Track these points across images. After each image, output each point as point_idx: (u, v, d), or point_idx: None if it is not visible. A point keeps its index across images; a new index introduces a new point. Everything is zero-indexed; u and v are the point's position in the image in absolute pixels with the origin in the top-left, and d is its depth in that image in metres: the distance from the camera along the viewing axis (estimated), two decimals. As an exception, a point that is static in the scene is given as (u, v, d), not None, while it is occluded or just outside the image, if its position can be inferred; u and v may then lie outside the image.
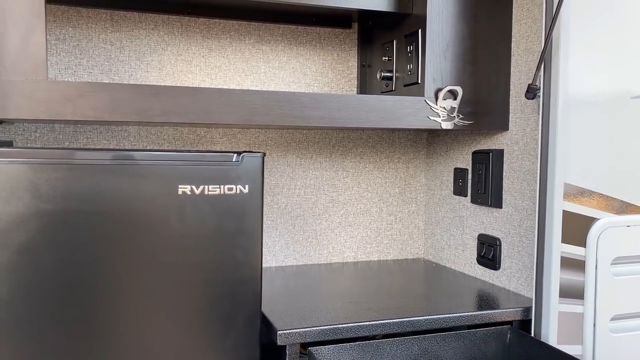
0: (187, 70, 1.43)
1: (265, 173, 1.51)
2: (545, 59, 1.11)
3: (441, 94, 1.24)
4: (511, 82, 1.30)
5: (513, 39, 1.29)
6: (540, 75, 1.12)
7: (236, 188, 0.99)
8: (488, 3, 1.28)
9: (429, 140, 1.65)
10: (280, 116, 1.13)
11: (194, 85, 1.44)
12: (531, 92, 1.14)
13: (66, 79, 1.33)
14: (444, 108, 1.25)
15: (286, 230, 1.54)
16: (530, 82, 1.14)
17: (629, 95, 1.17)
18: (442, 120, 1.25)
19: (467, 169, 1.47)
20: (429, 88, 1.25)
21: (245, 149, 1.50)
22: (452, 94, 1.25)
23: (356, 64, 1.59)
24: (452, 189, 1.53)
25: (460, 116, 1.26)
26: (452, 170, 1.53)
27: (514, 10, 1.29)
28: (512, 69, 1.30)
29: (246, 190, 0.99)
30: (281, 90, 1.27)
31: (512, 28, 1.29)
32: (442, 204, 1.58)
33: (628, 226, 1.18)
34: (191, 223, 0.97)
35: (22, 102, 0.95)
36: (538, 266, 1.15)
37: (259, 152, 1.00)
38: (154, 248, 0.96)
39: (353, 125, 1.18)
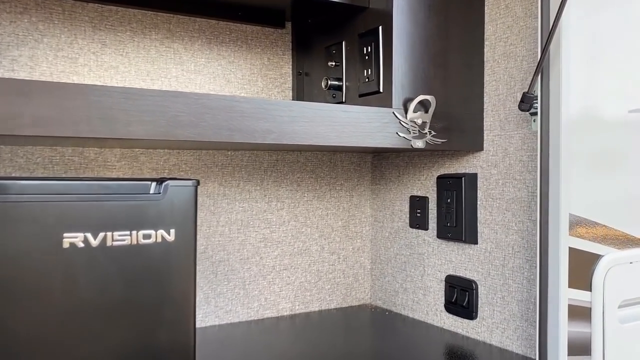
0: (71, 71, 1.06)
1: (179, 207, 1.16)
2: (546, 61, 0.90)
3: (412, 105, 0.99)
4: (485, 93, 1.09)
5: (487, 42, 1.09)
6: (538, 82, 0.92)
7: (156, 235, 0.65)
8: (460, -3, 1.07)
9: (375, 163, 1.40)
10: (213, 129, 0.81)
11: (81, 91, 1.07)
12: (527, 102, 0.93)
13: None
14: (415, 122, 1.00)
15: (206, 281, 1.20)
16: (526, 90, 0.93)
17: (627, 109, 1.00)
18: (412, 137, 1.00)
19: (426, 197, 1.23)
20: (397, 98, 1.00)
21: (162, 176, 1.14)
22: (423, 106, 1.01)
23: (291, 72, 1.30)
24: (408, 221, 1.29)
25: (433, 133, 1.02)
26: (408, 199, 1.29)
27: (486, 9, 1.09)
28: (487, 78, 1.09)
29: (171, 238, 0.66)
30: (215, 93, 0.95)
31: (485, 29, 1.09)
32: (395, 238, 1.33)
33: (631, 263, 1.00)
34: (85, 292, 0.62)
35: None
36: (542, 318, 0.93)
37: (189, 179, 0.68)
38: (26, 330, 0.59)
39: (309, 143, 0.89)
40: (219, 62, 1.21)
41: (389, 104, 1.00)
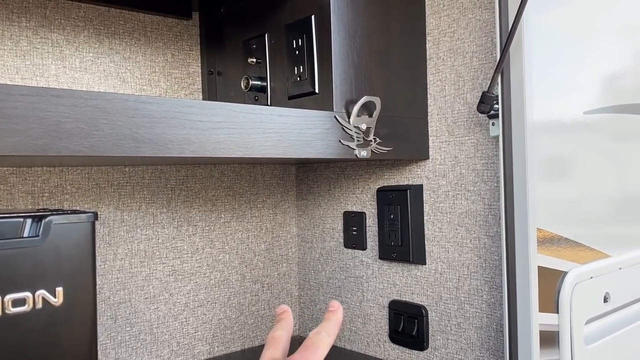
0: None
1: (64, 239, 0.91)
2: (508, 58, 0.79)
3: (356, 108, 0.84)
4: (429, 95, 0.97)
5: (429, 37, 0.97)
6: (499, 82, 0.81)
7: (34, 298, 0.44)
8: (401, -15, 0.94)
9: (300, 175, 1.24)
10: (111, 139, 0.60)
11: None
12: (487, 103, 0.81)
13: None
14: (359, 129, 0.85)
15: (103, 329, 0.96)
16: (485, 89, 0.82)
17: (582, 110, 0.93)
18: (357, 145, 0.85)
19: (363, 213, 1.09)
20: (338, 100, 0.84)
21: (40, 204, 0.89)
22: (367, 109, 0.87)
23: (199, 70, 1.10)
24: (342, 240, 1.14)
25: (378, 140, 0.88)
26: (341, 215, 1.14)
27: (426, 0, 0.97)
28: (430, 77, 0.97)
29: (58, 300, 0.45)
30: (114, 92, 0.72)
31: (427, 23, 0.97)
32: (327, 260, 1.17)
33: (591, 277, 0.92)
34: None
35: None
36: (512, 347, 0.81)
37: (82, 212, 0.47)
38: None
39: (239, 155, 0.71)
40: (112, 58, 0.98)
41: (328, 108, 0.84)
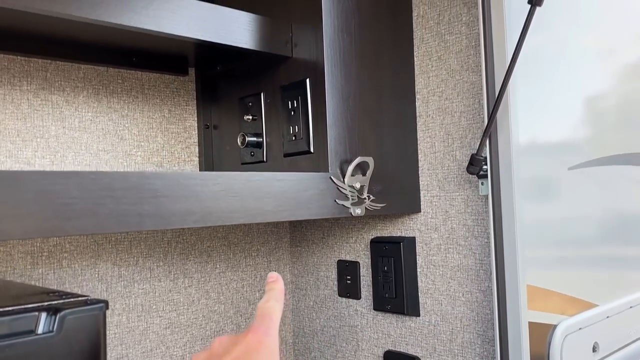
0: None
1: (62, 298, 0.92)
2: (495, 122, 0.83)
3: (350, 168, 0.87)
4: (420, 150, 1.00)
5: (418, 95, 1.00)
6: (486, 144, 0.84)
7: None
8: (388, 47, 0.98)
9: (294, 223, 1.26)
10: (117, 216, 0.62)
11: None
12: (476, 165, 0.85)
13: None
14: (353, 187, 0.88)
15: (101, 385, 0.96)
16: (475, 152, 0.85)
17: (566, 166, 0.96)
18: (351, 204, 0.88)
19: (357, 262, 1.11)
20: (333, 160, 0.87)
21: (49, 291, 0.90)
22: (361, 168, 0.90)
23: (196, 124, 1.13)
24: (337, 289, 1.15)
25: (371, 197, 0.91)
26: (335, 264, 1.16)
27: (415, 59, 1.01)
28: (420, 134, 1.00)
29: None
30: (119, 171, 0.74)
31: (416, 82, 1.01)
32: (321, 308, 1.19)
33: (580, 329, 0.94)
34: None
35: None
36: (505, 404, 0.83)
37: (93, 303, 0.49)
38: None
39: (240, 222, 0.73)
40: (110, 117, 1.01)
41: (323, 167, 0.86)
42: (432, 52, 0.98)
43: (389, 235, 1.05)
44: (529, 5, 0.76)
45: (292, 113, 0.92)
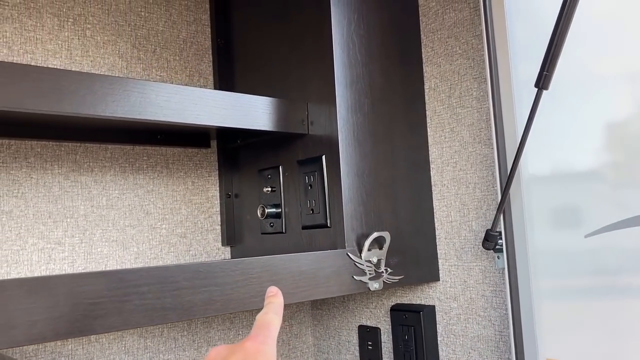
0: (-51, 222, 0.86)
1: (90, 373, 0.95)
2: (508, 198, 0.84)
3: (366, 244, 0.89)
4: (436, 219, 1.02)
5: (433, 165, 1.03)
6: (501, 220, 0.85)
7: None
8: (402, 124, 1.00)
9: (315, 286, 1.27)
10: (141, 312, 0.65)
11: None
12: (491, 241, 0.86)
13: None
14: (370, 262, 0.90)
15: None
16: (490, 227, 0.86)
17: (583, 233, 0.97)
18: (369, 279, 0.89)
19: (378, 329, 1.12)
20: (350, 237, 0.89)
21: None
22: (377, 242, 0.91)
23: (218, 194, 1.17)
24: (358, 354, 1.16)
25: (389, 270, 0.92)
26: (356, 329, 1.17)
27: (429, 130, 1.03)
28: (436, 203, 1.02)
29: None
30: (144, 267, 0.78)
31: (430, 152, 1.03)
32: (344, 373, 1.19)
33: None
34: None
35: None
36: None
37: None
38: None
39: (258, 307, 0.75)
40: (136, 193, 1.05)
41: (340, 242, 0.89)
42: (445, 123, 1.00)
43: (408, 302, 1.06)
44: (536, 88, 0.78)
45: (310, 187, 0.95)
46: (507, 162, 0.86)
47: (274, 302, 0.59)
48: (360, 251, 0.89)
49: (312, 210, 0.95)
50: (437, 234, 1.01)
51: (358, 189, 0.91)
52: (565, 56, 0.76)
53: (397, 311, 1.06)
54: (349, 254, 0.87)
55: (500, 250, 0.87)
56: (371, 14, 0.97)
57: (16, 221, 0.91)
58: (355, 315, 1.17)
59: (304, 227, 0.97)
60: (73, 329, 0.60)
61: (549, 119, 0.87)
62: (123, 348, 1.00)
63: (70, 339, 0.95)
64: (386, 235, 0.91)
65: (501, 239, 0.86)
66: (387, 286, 0.91)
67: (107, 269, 0.99)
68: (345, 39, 0.93)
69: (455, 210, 0.99)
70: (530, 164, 0.86)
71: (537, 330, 0.83)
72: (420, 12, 1.05)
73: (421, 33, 1.05)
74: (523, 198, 0.84)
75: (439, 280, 1.01)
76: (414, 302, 1.05)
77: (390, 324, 1.08)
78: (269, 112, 0.91)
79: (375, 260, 0.91)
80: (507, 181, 0.82)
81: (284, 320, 1.20)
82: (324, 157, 0.93)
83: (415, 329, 1.02)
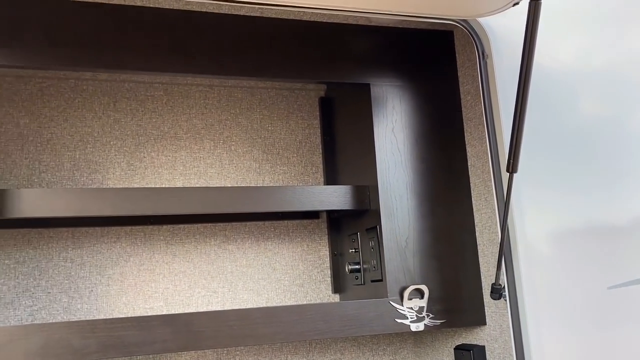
0: (150, 280, 1.39)
1: (236, 381, 1.39)
2: (505, 254, 1.05)
3: (406, 294, 1.17)
4: (481, 274, 1.23)
5: (477, 229, 1.25)
6: (503, 273, 1.06)
7: None
8: (445, 196, 1.26)
9: (414, 327, 1.54)
10: (230, 338, 1.05)
11: (156, 295, 1.38)
12: (496, 292, 1.07)
13: (22, 303, 1.29)
14: (411, 308, 1.17)
15: None
16: (494, 281, 1.07)
17: (606, 286, 1.08)
18: (410, 322, 1.16)
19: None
20: (392, 287, 1.18)
21: None
22: (419, 293, 1.18)
23: (328, 253, 1.54)
24: (441, 385, 1.39)
25: (431, 315, 1.18)
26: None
27: (473, 199, 1.26)
28: (481, 260, 1.23)
29: None
30: (232, 309, 1.22)
31: (475, 218, 1.26)
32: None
33: None
34: None
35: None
36: None
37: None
38: None
39: (311, 339, 1.10)
40: (266, 254, 1.49)
41: (384, 293, 1.18)
42: (482, 194, 1.22)
43: (468, 343, 1.27)
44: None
45: (372, 250, 1.27)
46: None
47: None
48: (402, 299, 1.17)
49: (375, 267, 1.26)
50: (483, 286, 1.22)
51: (401, 251, 1.20)
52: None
53: (458, 350, 1.28)
54: (390, 301, 1.16)
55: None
56: (412, 115, 1.27)
57: (188, 278, 1.42)
58: (439, 353, 1.40)
59: (372, 281, 1.28)
60: (188, 345, 1.03)
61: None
62: (258, 366, 1.42)
63: (212, 358, 1.41)
64: (424, 288, 1.18)
65: (504, 290, 1.05)
66: (427, 329, 1.17)
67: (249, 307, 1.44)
68: (386, 138, 1.24)
69: (492, 266, 1.19)
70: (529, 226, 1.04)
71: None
72: (462, 105, 1.30)
73: (463, 122, 1.29)
74: (519, 249, 1.03)
75: (485, 324, 1.21)
76: (471, 343, 1.26)
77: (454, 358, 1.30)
78: (349, 195, 1.27)
79: (416, 307, 1.17)
80: (502, 231, 1.02)
81: (389, 356, 1.49)
82: (377, 226, 1.24)
83: (470, 364, 1.23)
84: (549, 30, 1.16)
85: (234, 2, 0.96)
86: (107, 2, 1.14)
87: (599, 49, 1.23)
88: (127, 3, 1.17)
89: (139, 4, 1.15)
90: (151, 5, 1.18)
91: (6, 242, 1.30)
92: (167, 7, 1.19)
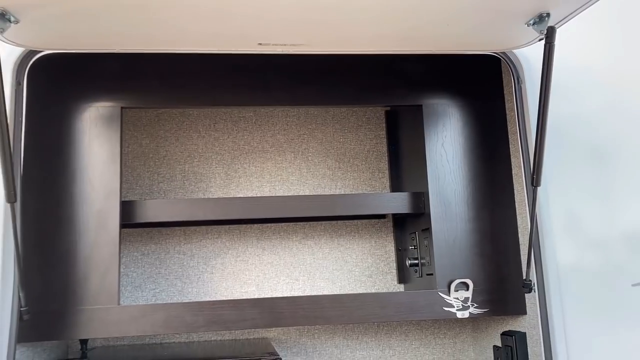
0: (245, 269, 1.70)
1: (313, 354, 1.66)
2: (534, 251, 1.22)
3: (453, 286, 1.37)
4: (523, 270, 1.40)
5: (519, 231, 1.41)
6: (533, 269, 1.23)
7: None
8: (489, 201, 1.44)
9: (471, 314, 1.73)
10: (303, 318, 1.32)
11: (249, 281, 1.69)
12: (527, 287, 1.24)
13: (147, 287, 1.65)
14: (457, 299, 1.37)
15: (337, 409, 1.65)
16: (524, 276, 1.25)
17: (630, 282, 1.22)
18: (456, 310, 1.36)
19: (501, 348, 1.52)
20: (441, 281, 1.39)
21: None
22: (465, 285, 1.38)
23: (393, 248, 1.77)
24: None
25: (475, 305, 1.37)
26: (492, 348, 1.59)
27: (516, 205, 1.43)
28: (523, 258, 1.40)
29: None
30: (304, 295, 1.48)
31: (517, 221, 1.42)
32: (488, 380, 1.61)
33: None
34: None
35: (97, 325, 1.25)
36: None
37: None
38: None
39: (370, 322, 1.34)
40: (339, 249, 1.74)
41: (434, 284, 1.39)
42: (523, 200, 1.39)
43: (512, 329, 1.45)
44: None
45: (426, 247, 1.48)
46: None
47: None
48: (449, 291, 1.38)
49: (429, 262, 1.47)
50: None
51: (449, 249, 1.40)
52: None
53: (503, 335, 1.46)
54: (439, 292, 1.37)
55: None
56: (460, 131, 1.46)
57: (274, 267, 1.71)
58: (491, 337, 1.59)
59: (427, 274, 1.49)
60: (272, 323, 1.31)
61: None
62: (333, 343, 1.69)
63: (296, 335, 1.68)
64: (469, 281, 1.37)
65: (534, 285, 1.22)
66: (472, 317, 1.36)
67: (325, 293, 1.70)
68: (436, 152, 1.44)
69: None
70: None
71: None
72: (507, 121, 1.46)
73: (508, 135, 1.46)
74: (546, 247, 1.20)
75: (526, 313, 1.38)
76: (515, 330, 1.44)
77: (500, 343, 1.48)
78: (407, 201, 1.49)
79: (462, 298, 1.37)
80: (530, 233, 1.20)
81: (449, 339, 1.70)
82: (430, 228, 1.45)
83: (512, 349, 1.41)
84: (582, 44, 1.30)
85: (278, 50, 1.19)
86: (205, 53, 1.44)
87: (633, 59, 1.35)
88: (220, 51, 1.46)
89: (224, 51, 1.43)
90: (237, 52, 1.46)
91: (135, 239, 1.66)
92: (246, 52, 1.47)
